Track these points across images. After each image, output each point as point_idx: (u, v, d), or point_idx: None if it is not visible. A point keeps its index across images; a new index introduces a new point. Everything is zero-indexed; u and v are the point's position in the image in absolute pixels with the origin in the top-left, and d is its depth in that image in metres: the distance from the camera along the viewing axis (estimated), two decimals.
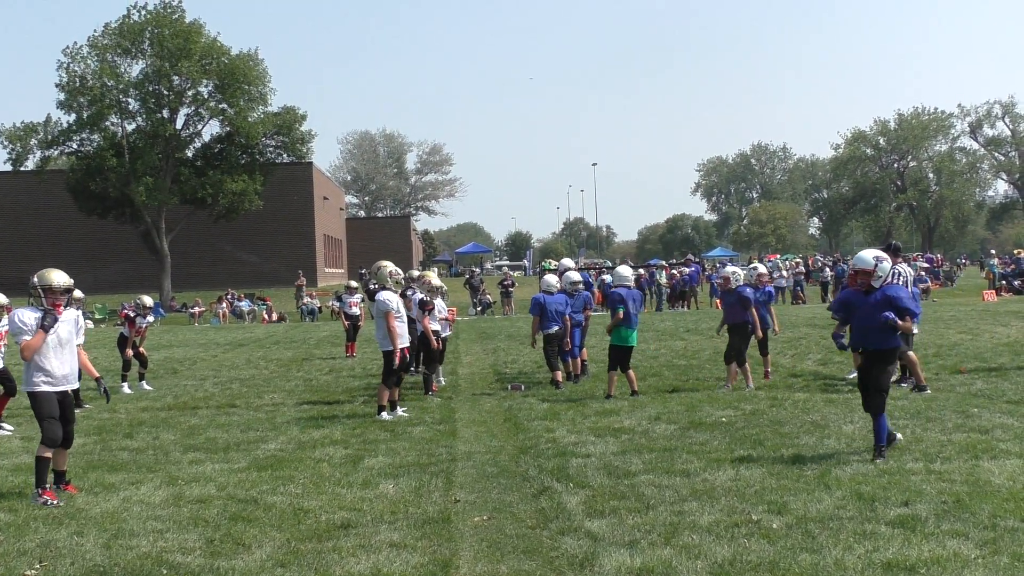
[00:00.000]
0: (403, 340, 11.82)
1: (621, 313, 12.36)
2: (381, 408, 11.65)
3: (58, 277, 8.03)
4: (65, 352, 7.99)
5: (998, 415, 10.14)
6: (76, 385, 8.22)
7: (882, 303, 8.31)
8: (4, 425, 12.01)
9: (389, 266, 12.22)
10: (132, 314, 15.88)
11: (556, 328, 13.75)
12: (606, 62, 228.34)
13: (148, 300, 16.49)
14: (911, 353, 12.49)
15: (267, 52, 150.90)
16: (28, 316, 7.89)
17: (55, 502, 7.59)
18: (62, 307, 8.00)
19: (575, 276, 14.64)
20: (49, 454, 7.84)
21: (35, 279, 7.98)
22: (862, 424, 9.78)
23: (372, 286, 12.65)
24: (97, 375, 8.92)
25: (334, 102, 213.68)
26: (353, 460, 9.06)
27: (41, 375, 7.84)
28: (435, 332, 14.00)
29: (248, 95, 47.42)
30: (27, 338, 7.78)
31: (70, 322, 8.11)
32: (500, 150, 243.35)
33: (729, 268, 14.19)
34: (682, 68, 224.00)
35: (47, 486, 7.78)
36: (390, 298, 11.78)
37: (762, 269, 13.95)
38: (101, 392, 8.73)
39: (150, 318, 16.58)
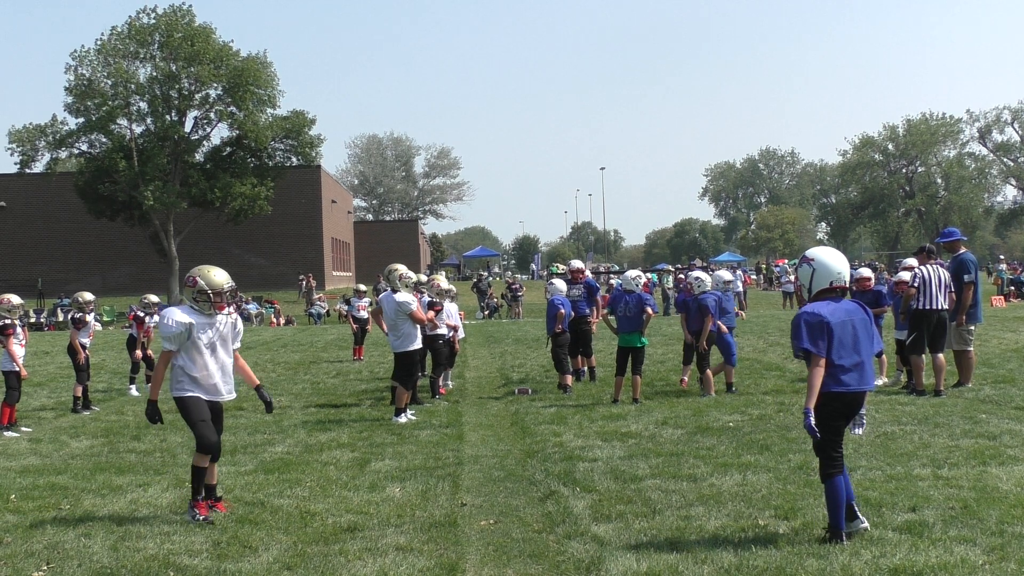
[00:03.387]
0: (417, 342, 11.92)
1: (606, 313, 13.35)
2: (400, 411, 11.66)
3: (219, 276, 7.19)
4: (221, 357, 7.19)
5: (1006, 421, 10.11)
6: (223, 399, 7.33)
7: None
8: (23, 428, 12.04)
9: (400, 269, 12.26)
10: (141, 314, 15.93)
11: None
12: (614, 66, 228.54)
13: (154, 298, 16.54)
14: (921, 357, 12.48)
15: (275, 56, 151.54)
16: (181, 317, 7.05)
17: (205, 517, 6.94)
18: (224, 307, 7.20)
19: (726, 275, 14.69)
20: (205, 463, 7.06)
21: (200, 281, 7.09)
22: (869, 429, 9.76)
23: (383, 288, 12.68)
24: (257, 382, 7.66)
25: (342, 105, 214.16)
26: (360, 463, 9.07)
27: (187, 382, 7.07)
28: (443, 335, 14.03)
29: (257, 98, 47.53)
30: (171, 347, 7.04)
31: (228, 325, 7.29)
32: (508, 154, 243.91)
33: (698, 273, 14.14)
34: (690, 73, 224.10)
35: (200, 499, 7.06)
36: (410, 299, 11.90)
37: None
38: (264, 400, 7.64)
39: (156, 317, 16.61)
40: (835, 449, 5.97)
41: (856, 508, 6.09)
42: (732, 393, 13.04)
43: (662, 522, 6.57)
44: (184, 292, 7.20)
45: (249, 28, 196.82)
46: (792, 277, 41.79)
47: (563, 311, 14.01)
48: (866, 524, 6.06)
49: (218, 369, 7.15)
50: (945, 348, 12.56)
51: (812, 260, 6.13)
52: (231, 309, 7.38)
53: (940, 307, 12.41)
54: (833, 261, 6.09)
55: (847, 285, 6.16)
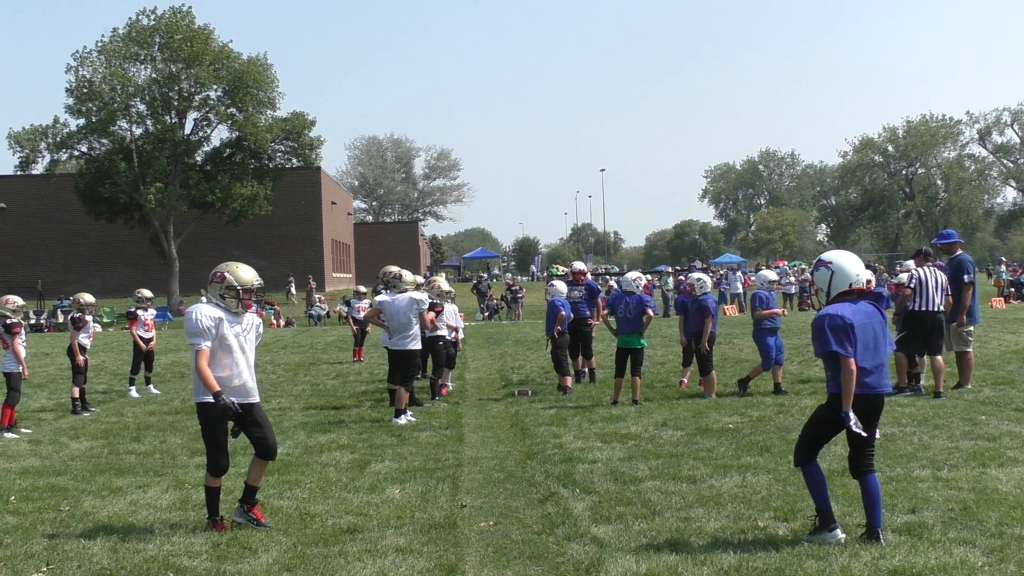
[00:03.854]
0: (418, 342, 11.95)
1: (607, 314, 13.49)
2: (399, 412, 11.66)
3: (248, 273, 6.95)
4: (248, 355, 6.95)
5: (1006, 423, 10.10)
6: (256, 399, 7.00)
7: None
8: (23, 429, 12.04)
9: (403, 272, 12.34)
10: (133, 308, 15.95)
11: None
12: (614, 66, 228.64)
13: (147, 292, 16.54)
14: (909, 357, 12.51)
15: (275, 57, 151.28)
16: (211, 311, 6.82)
17: (220, 533, 6.65)
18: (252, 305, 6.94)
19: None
20: (216, 483, 6.85)
21: (228, 276, 6.86)
22: None
23: (382, 289, 12.72)
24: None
25: (342, 107, 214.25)
26: (360, 465, 9.07)
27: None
28: (443, 336, 14.05)
29: (256, 100, 47.55)
30: (205, 344, 6.78)
31: (253, 326, 7.05)
32: (508, 155, 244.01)
33: (697, 275, 14.13)
34: (690, 73, 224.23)
35: (217, 518, 6.82)
36: (426, 298, 12.12)
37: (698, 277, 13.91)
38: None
39: (152, 311, 16.61)
40: (818, 445, 6.21)
41: (833, 517, 6.05)
42: (745, 396, 12.99)
43: (662, 524, 6.57)
44: (210, 288, 6.99)
45: (249, 29, 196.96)
46: (791, 279, 41.77)
47: (563, 313, 14.01)
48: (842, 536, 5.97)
49: (247, 367, 6.90)
50: (944, 350, 12.58)
51: (830, 263, 6.18)
52: (256, 308, 7.19)
53: (936, 309, 12.43)
54: (851, 264, 6.17)
55: (864, 287, 6.20)
